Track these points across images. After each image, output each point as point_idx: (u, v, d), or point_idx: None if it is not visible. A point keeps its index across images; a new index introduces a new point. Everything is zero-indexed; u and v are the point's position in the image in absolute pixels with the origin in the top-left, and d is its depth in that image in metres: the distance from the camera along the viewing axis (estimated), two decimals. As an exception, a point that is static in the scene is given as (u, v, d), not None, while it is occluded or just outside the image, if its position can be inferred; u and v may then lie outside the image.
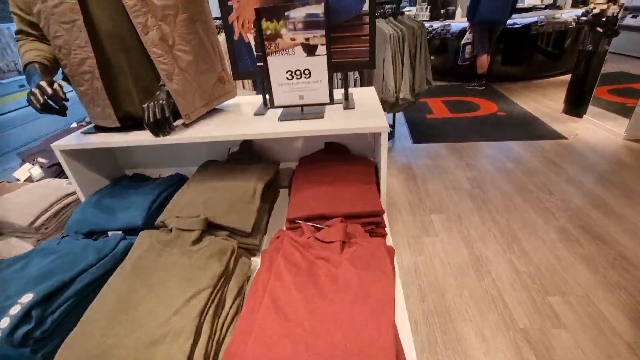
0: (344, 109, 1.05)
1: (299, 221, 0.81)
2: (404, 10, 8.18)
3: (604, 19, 3.44)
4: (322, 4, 0.88)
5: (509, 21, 4.55)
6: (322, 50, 0.94)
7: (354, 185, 0.94)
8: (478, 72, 4.69)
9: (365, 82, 2.77)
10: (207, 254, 0.75)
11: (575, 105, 3.56)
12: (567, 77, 4.01)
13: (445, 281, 1.70)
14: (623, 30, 3.69)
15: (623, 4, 3.32)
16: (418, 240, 1.99)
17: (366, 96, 1.17)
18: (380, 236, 0.84)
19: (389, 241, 0.88)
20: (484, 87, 4.76)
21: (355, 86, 2.67)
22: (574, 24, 4.73)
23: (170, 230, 0.81)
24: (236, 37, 1.04)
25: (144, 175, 1.26)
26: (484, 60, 4.57)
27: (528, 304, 1.55)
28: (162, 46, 0.91)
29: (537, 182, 2.46)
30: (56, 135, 1.33)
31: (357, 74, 2.62)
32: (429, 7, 5.42)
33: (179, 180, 1.16)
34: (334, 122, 0.95)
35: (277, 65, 0.97)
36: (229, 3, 1.00)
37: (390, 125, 3.56)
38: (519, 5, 6.58)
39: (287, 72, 0.97)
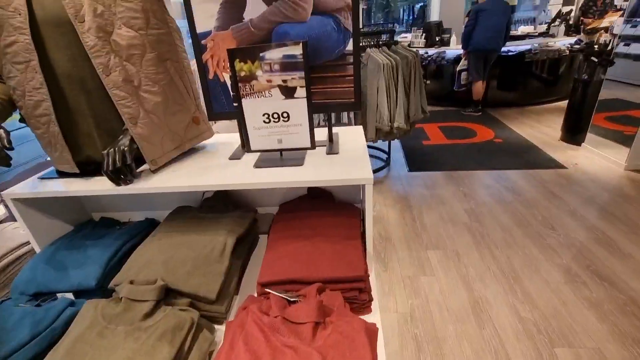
0: (327, 153, 0.96)
1: (269, 290, 0.70)
2: (398, 38, 8.37)
3: (597, 47, 3.46)
4: (301, 45, 0.81)
5: (504, 48, 4.60)
6: (301, 92, 0.86)
7: (336, 242, 0.84)
8: (474, 99, 4.69)
9: (359, 112, 2.72)
10: (158, 332, 0.63)
11: (573, 133, 3.51)
12: (562, 103, 4.01)
13: (444, 329, 1.57)
14: (617, 58, 3.71)
15: (615, 34, 3.33)
16: (414, 280, 1.87)
17: (352, 138, 1.09)
18: (363, 306, 0.74)
19: (375, 311, 0.77)
20: (480, 113, 4.75)
21: (348, 117, 2.62)
22: (567, 52, 4.78)
23: (121, 299, 0.70)
24: (210, 76, 0.97)
25: (112, 219, 1.16)
26: (479, 87, 4.57)
27: (534, 356, 1.42)
28: (125, 88, 0.83)
29: (538, 215, 2.36)
30: (31, 169, 1.23)
31: (350, 103, 2.58)
32: (424, 34, 5.50)
33: (147, 227, 1.06)
34: (315, 171, 0.86)
35: (253, 108, 0.89)
36: (203, 42, 0.93)
37: (385, 152, 3.50)
38: (513, 32, 6.72)
39: (263, 115, 0.89)
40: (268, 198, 1.16)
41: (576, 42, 4.99)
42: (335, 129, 1.19)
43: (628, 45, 5.37)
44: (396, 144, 3.84)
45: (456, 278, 1.87)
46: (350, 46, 0.92)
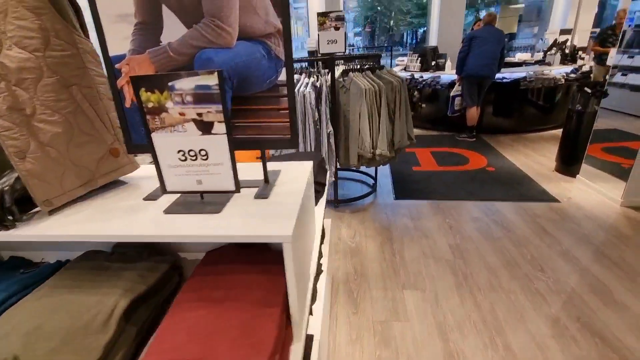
0: (255, 197, 0.83)
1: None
2: (396, 61, 8.35)
3: (591, 78, 3.38)
4: (216, 74, 0.69)
5: (499, 75, 4.54)
6: (220, 128, 0.73)
7: (247, 310, 0.69)
8: (468, 125, 4.60)
9: (341, 136, 2.61)
10: None
11: (568, 164, 3.38)
12: (558, 132, 3.89)
13: (411, 390, 1.39)
14: (614, 88, 3.62)
15: (610, 66, 3.26)
16: (385, 327, 1.69)
17: (296, 176, 0.95)
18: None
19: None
20: (474, 139, 4.64)
21: (329, 140, 2.50)
22: (563, 80, 4.72)
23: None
24: (127, 104, 0.85)
25: (22, 259, 1.02)
26: (473, 113, 4.49)
27: None
28: (11, 117, 0.71)
29: (527, 255, 2.19)
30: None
31: (330, 127, 2.47)
32: (419, 58, 5.48)
33: (53, 272, 0.91)
34: (229, 222, 0.72)
35: (165, 144, 0.76)
36: (117, 66, 0.82)
37: (372, 178, 3.37)
38: (510, 59, 6.72)
39: (178, 152, 0.77)
40: (194, 244, 1.02)
41: (572, 71, 4.94)
42: (282, 165, 1.06)
43: (625, 75, 5.31)
44: (385, 168, 3.72)
45: (432, 326, 1.69)
46: (283, 76, 0.80)
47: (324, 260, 1.41)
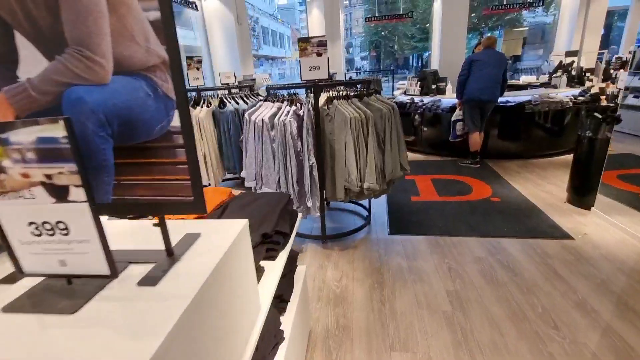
0: (139, 283, 0.61)
1: None
2: (397, 84, 8.24)
3: (602, 101, 3.14)
4: (62, 123, 0.49)
5: (502, 99, 4.35)
6: (77, 194, 0.53)
7: None
8: (471, 150, 4.36)
9: (327, 166, 2.40)
10: None
11: (581, 194, 3.09)
12: (568, 157, 3.62)
13: None
14: (626, 110, 3.34)
15: (620, 89, 3.02)
16: (365, 403, 1.41)
17: (217, 244, 0.74)
18: None
19: None
20: (478, 165, 4.39)
21: (312, 173, 2.30)
22: (571, 103, 4.49)
23: None
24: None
25: None
26: (476, 138, 4.26)
27: None
28: None
29: (537, 306, 1.89)
30: None
31: (312, 159, 2.27)
32: (419, 82, 5.34)
33: None
34: (54, 341, 0.50)
35: (11, 214, 0.56)
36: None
37: (366, 209, 3.13)
38: (515, 82, 6.54)
39: (30, 224, 0.56)
40: None
41: (580, 94, 4.71)
42: (209, 225, 0.85)
43: (638, 97, 5.05)
44: (381, 198, 3.48)
45: (422, 402, 1.40)
46: (176, 120, 0.60)
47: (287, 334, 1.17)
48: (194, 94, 3.31)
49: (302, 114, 2.26)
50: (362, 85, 2.62)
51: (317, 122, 2.30)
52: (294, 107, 2.29)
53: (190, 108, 3.16)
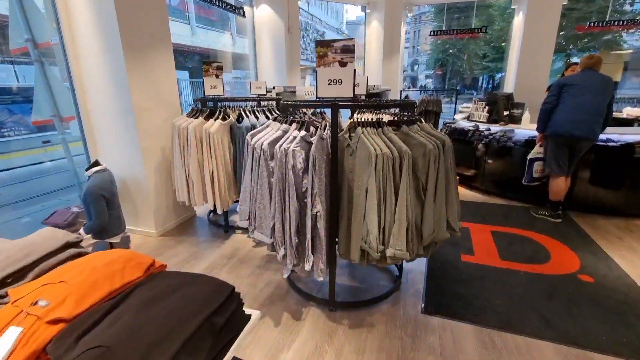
0: None
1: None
2: (459, 107, 7.27)
3: None
4: None
5: (602, 136, 3.29)
6: None
7: None
8: (551, 199, 3.36)
9: (343, 215, 1.76)
10: None
11: None
12: None
13: None
14: None
15: None
16: None
17: None
18: None
19: None
20: (559, 220, 3.36)
21: (316, 224, 1.68)
22: None
23: None
24: None
25: None
26: (560, 184, 3.26)
27: None
28: None
29: None
30: None
31: (317, 206, 1.65)
32: (487, 106, 4.44)
33: None
34: None
35: None
36: None
37: (396, 265, 2.40)
38: (615, 114, 5.22)
39: None
40: None
41: None
42: None
43: None
44: (420, 252, 2.70)
45: None
46: None
47: None
48: (210, 104, 2.91)
49: (314, 142, 1.66)
50: (405, 109, 1.95)
51: (334, 155, 1.69)
52: (302, 133, 1.70)
53: (201, 120, 2.75)
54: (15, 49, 3.30)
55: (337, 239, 1.84)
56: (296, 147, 1.65)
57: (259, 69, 5.93)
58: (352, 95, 1.65)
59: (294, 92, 4.78)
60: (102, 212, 2.65)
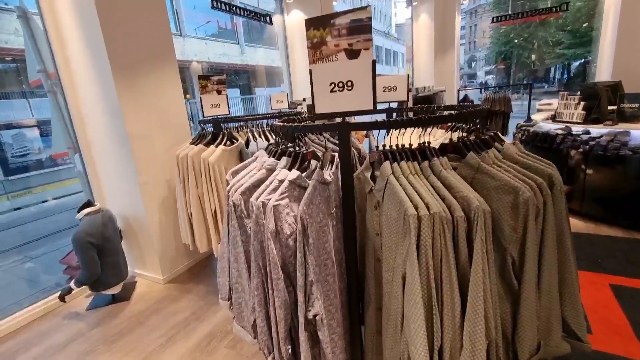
0: None
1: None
2: (538, 104, 6.04)
3: None
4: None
5: None
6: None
7: None
8: None
9: (368, 307, 1.04)
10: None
11: None
12: None
13: None
14: None
15: None
16: None
17: None
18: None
19: None
20: None
21: (318, 331, 0.98)
22: None
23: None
24: None
25: None
26: None
27: None
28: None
29: None
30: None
31: (316, 304, 0.95)
32: (583, 102, 3.32)
33: None
34: None
35: None
36: None
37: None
38: None
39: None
40: None
41: None
42: None
43: None
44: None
45: None
46: None
47: None
48: (210, 127, 2.39)
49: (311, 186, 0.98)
50: (468, 121, 1.16)
51: (347, 210, 0.99)
52: (293, 173, 1.02)
53: (200, 147, 2.23)
54: (33, 80, 3.16)
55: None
56: (281, 199, 0.98)
57: (293, 81, 5.42)
58: (372, 106, 0.93)
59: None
60: (91, 263, 2.25)
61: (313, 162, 1.12)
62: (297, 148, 1.17)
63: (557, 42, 18.33)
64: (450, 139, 1.02)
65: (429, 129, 1.10)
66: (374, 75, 0.91)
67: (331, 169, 1.07)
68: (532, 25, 17.87)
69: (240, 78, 16.78)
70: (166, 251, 2.70)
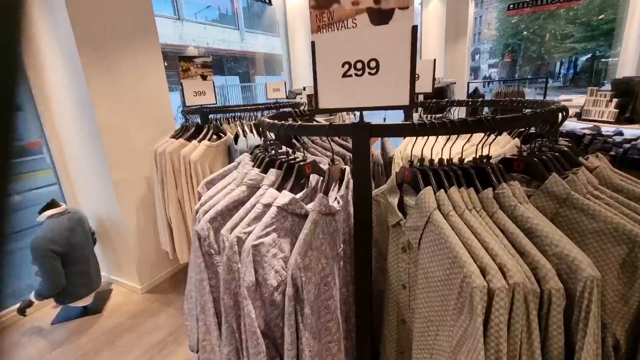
0: None
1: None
2: (556, 98, 5.74)
3: None
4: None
5: None
6: None
7: None
8: None
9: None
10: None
11: None
12: None
13: None
14: None
15: None
16: None
17: None
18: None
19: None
20: None
21: None
22: None
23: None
24: None
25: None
26: None
27: None
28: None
29: None
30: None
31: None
32: (615, 99, 2.98)
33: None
34: None
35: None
36: None
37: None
38: None
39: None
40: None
41: None
42: None
43: None
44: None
45: None
46: None
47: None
48: (196, 118, 2.05)
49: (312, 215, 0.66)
50: (531, 123, 0.83)
51: (361, 250, 0.67)
52: (284, 196, 0.70)
53: (181, 142, 1.90)
54: None
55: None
56: (266, 234, 0.66)
57: (293, 70, 5.05)
58: (408, 98, 0.60)
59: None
60: (53, 273, 1.94)
61: (313, 178, 0.80)
62: (290, 154, 0.84)
63: (566, 36, 17.77)
64: (520, 151, 0.69)
65: (480, 136, 0.76)
66: (414, 51, 0.58)
67: (339, 189, 0.74)
68: (542, 17, 17.27)
69: (240, 65, 16.27)
70: (145, 257, 2.39)
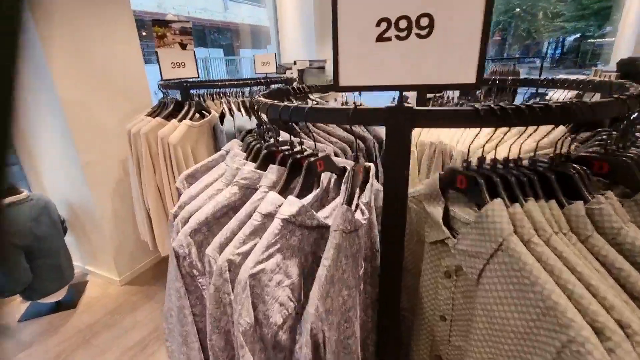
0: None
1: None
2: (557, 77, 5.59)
3: None
4: None
5: None
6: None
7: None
8: None
9: None
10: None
11: None
12: None
13: None
14: None
15: None
16: None
17: None
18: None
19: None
20: None
21: None
22: None
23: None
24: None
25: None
26: None
27: None
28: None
29: None
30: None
31: None
32: (620, 78, 2.86)
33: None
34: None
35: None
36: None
37: None
38: None
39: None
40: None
41: None
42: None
43: None
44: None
45: None
46: None
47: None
48: (175, 93, 1.80)
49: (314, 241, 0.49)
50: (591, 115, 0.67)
51: (390, 274, 0.51)
52: (292, 204, 0.52)
53: (158, 121, 1.66)
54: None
55: None
56: (268, 256, 0.49)
57: (282, 42, 4.71)
58: (475, 75, 0.42)
59: (324, 67, 3.54)
60: (16, 269, 1.73)
61: (325, 177, 0.62)
62: (295, 145, 0.66)
63: (557, 14, 17.55)
64: (606, 148, 0.53)
65: (545, 129, 0.59)
66: (490, 4, 0.39)
67: (360, 194, 0.57)
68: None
69: (224, 37, 15.42)
70: (123, 246, 2.20)
